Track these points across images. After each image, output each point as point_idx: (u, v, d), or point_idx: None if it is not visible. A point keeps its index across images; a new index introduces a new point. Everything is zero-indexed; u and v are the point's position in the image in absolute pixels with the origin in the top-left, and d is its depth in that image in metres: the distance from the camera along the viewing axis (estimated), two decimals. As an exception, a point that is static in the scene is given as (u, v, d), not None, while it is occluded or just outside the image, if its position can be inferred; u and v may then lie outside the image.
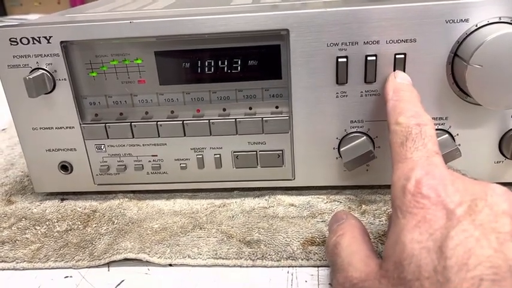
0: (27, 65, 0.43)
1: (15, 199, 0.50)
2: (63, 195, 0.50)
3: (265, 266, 0.37)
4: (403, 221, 0.27)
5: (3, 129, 0.73)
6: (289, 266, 0.37)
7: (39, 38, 0.42)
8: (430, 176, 0.27)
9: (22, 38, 0.42)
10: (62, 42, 0.42)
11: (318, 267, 0.37)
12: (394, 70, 0.40)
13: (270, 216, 0.43)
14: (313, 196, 0.46)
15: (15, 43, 0.42)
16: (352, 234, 0.33)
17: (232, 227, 0.42)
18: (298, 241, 0.39)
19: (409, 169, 0.28)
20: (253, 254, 0.38)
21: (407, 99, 0.36)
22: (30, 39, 0.42)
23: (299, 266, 0.37)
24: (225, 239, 0.40)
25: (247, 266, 0.38)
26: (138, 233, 0.42)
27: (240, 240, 0.40)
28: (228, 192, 0.48)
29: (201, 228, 0.42)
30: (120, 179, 0.47)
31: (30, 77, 0.41)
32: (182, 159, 0.46)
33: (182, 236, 0.41)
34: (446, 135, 0.42)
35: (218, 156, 0.45)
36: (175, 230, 0.42)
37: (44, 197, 0.50)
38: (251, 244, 0.39)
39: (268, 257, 0.38)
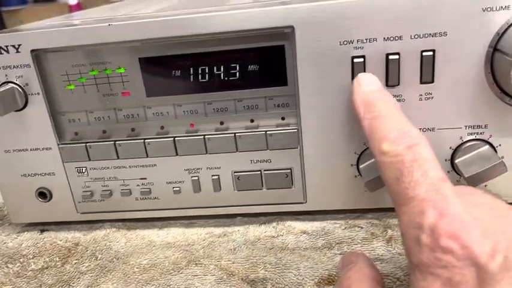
0: (-5, 78, 0.37)
1: (-9, 231, 0.45)
2: (43, 226, 0.44)
3: (273, 312, 0.31)
4: (423, 284, 0.21)
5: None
6: (302, 312, 0.31)
7: (6, 46, 0.36)
8: (447, 219, 0.21)
9: (-13, 47, 0.36)
10: (32, 50, 0.36)
11: (338, 312, 0.30)
12: (422, 71, 0.34)
13: (278, 247, 0.37)
14: (328, 221, 0.39)
15: (-20, 54, 0.37)
16: (360, 286, 0.26)
17: (233, 262, 0.35)
18: (312, 280, 0.32)
19: (418, 213, 0.22)
20: (259, 296, 0.32)
21: (384, 114, 0.28)
22: (-3, 49, 0.36)
23: (314, 312, 0.30)
24: (225, 277, 0.34)
25: (251, 312, 0.31)
26: (123, 271, 0.36)
27: (242, 279, 0.33)
28: (230, 218, 0.42)
29: (196, 264, 0.36)
30: (106, 206, 0.41)
31: (-3, 91, 0.36)
32: (175, 182, 0.40)
33: (175, 274, 0.35)
34: (487, 146, 0.35)
35: (216, 177, 0.39)
36: (166, 266, 0.36)
37: (22, 228, 0.44)
38: (256, 284, 0.33)
39: (277, 300, 0.31)
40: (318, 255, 0.35)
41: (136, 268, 0.36)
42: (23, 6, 1.69)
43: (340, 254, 0.35)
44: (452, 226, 0.20)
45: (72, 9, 1.37)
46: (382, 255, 0.34)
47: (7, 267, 0.38)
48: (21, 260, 0.39)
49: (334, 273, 0.33)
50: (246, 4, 0.36)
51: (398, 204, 0.23)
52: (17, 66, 0.37)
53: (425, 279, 0.20)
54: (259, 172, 0.38)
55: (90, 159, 0.39)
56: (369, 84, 0.32)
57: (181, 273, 0.35)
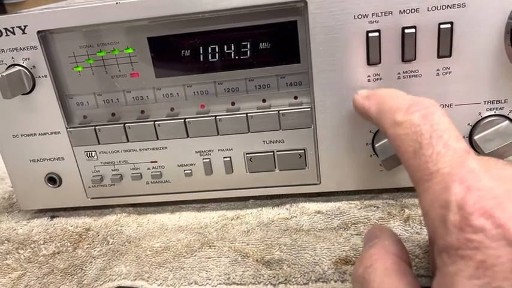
0: (2, 61, 0.37)
1: (1, 218, 0.44)
2: (53, 212, 0.43)
3: (290, 293, 0.30)
4: (452, 268, 0.18)
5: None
6: (320, 292, 0.30)
7: (12, 28, 0.35)
8: (476, 193, 0.19)
9: (-7, 29, 0.36)
10: (39, 32, 0.35)
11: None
12: (439, 44, 0.32)
13: (293, 229, 0.36)
14: (343, 202, 0.39)
15: (-14, 36, 0.36)
16: (385, 265, 0.23)
17: (247, 244, 0.35)
18: (330, 260, 0.32)
19: (442, 189, 0.19)
20: (274, 277, 0.31)
21: (389, 94, 0.27)
22: (3, 31, 0.36)
23: (332, 291, 0.30)
24: (239, 259, 0.33)
25: (267, 293, 0.30)
26: (135, 254, 0.35)
27: (257, 260, 0.33)
28: (242, 201, 0.41)
29: (210, 246, 0.35)
30: (116, 191, 0.41)
31: (3, 74, 0.35)
32: (186, 165, 0.39)
33: (188, 256, 0.34)
34: (507, 121, 0.34)
35: (228, 159, 0.38)
36: (179, 249, 0.35)
37: (32, 215, 0.44)
38: (271, 264, 0.32)
39: (293, 280, 0.30)
40: (334, 236, 0.34)
41: (149, 251, 0.35)
42: (25, -2, 1.68)
43: (356, 234, 0.34)
44: (484, 202, 0.18)
45: None
46: (400, 235, 0.33)
47: (18, 252, 0.38)
48: (31, 245, 0.39)
49: (352, 254, 0.32)
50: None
51: (419, 180, 0.21)
52: (24, 48, 0.36)
53: (455, 263, 0.18)
54: (271, 153, 0.38)
55: (99, 143, 0.39)
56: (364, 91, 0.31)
57: (194, 255, 0.34)
